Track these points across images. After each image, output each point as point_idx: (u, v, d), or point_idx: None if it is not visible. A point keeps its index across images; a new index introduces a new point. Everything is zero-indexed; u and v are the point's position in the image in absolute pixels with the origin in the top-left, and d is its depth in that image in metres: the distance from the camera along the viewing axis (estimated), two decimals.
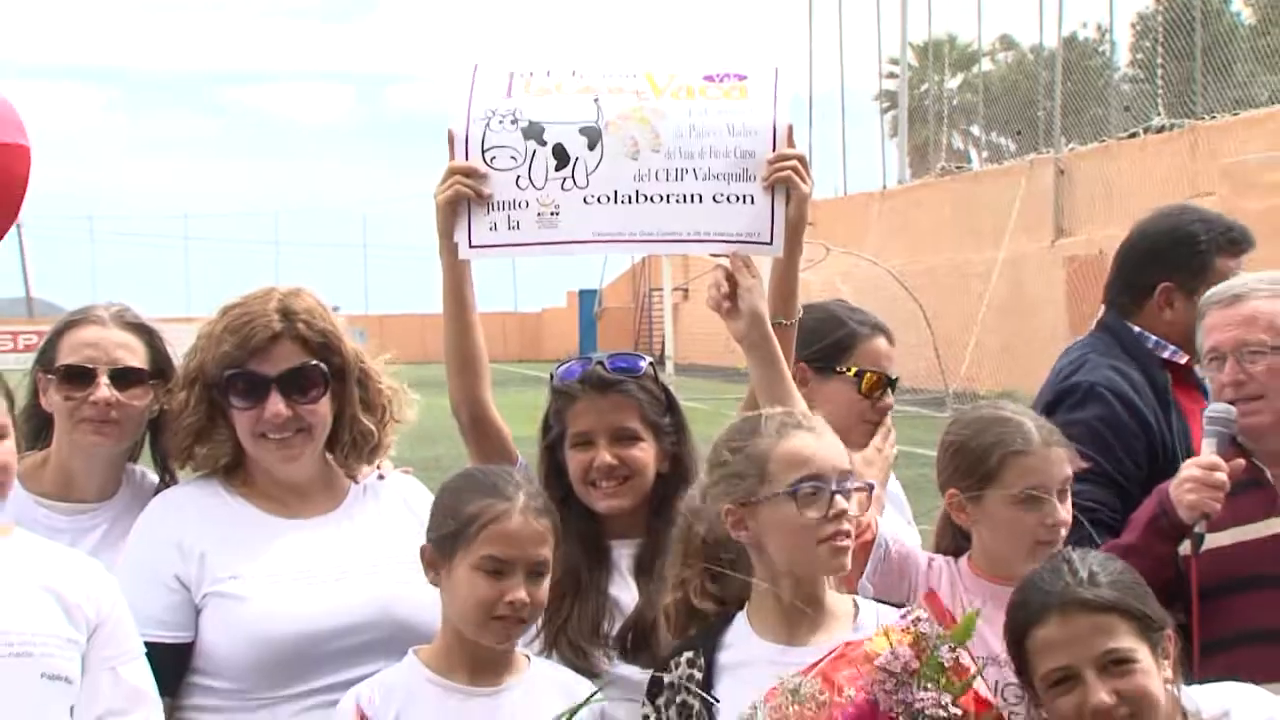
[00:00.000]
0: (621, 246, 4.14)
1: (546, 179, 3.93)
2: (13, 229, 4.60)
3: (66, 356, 3.97)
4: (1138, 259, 4.67)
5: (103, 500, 4.01)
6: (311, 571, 3.74)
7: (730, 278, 3.88)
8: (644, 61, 4.08)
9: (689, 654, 3.34)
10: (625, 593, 3.83)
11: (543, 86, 4.01)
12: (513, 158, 3.94)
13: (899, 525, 4.28)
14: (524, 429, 4.10)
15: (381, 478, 3.98)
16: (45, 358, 4.01)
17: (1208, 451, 3.86)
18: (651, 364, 4.01)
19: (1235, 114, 28.57)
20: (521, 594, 3.38)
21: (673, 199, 3.93)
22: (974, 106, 50.01)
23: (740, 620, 3.39)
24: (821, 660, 3.18)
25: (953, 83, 52.31)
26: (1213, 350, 3.99)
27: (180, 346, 3.98)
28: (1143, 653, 3.19)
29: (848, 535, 3.33)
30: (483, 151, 3.95)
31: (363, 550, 3.80)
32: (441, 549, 3.43)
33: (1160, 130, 30.44)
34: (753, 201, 3.93)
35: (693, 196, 3.93)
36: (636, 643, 3.69)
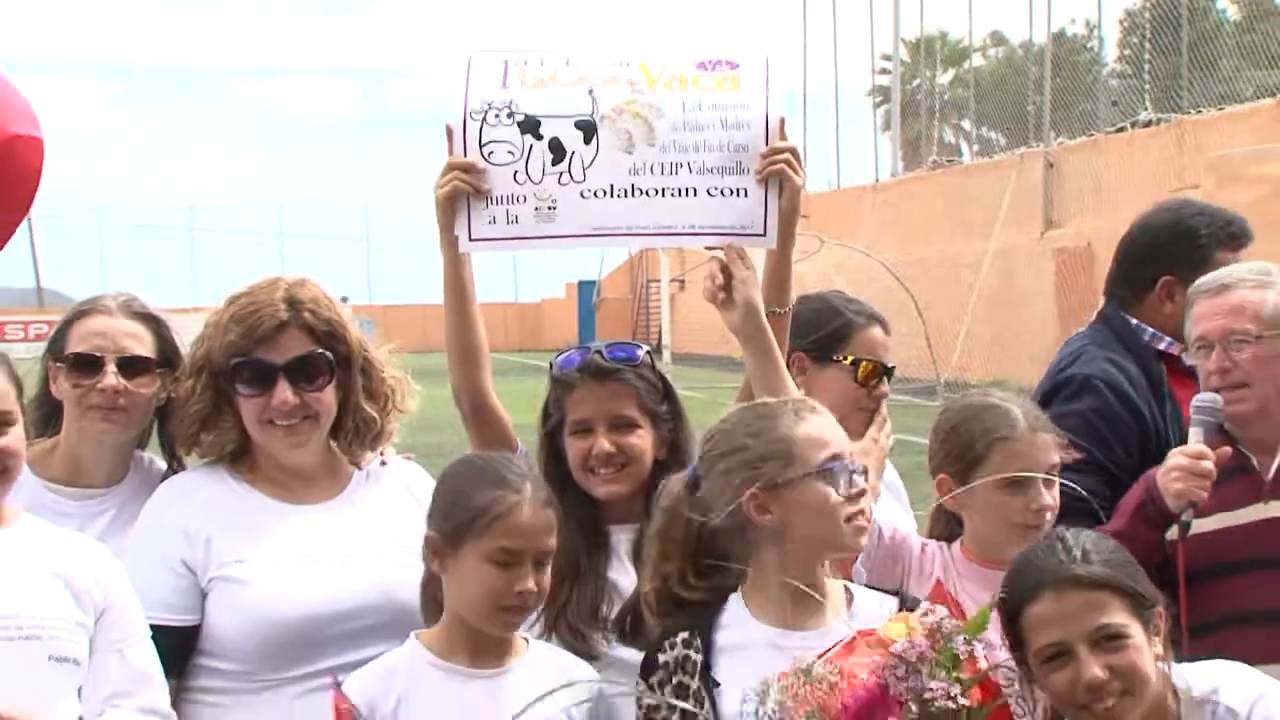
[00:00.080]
0: (618, 240, 4.15)
1: (543, 174, 3.93)
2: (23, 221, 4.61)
3: (75, 345, 3.97)
4: (1139, 253, 4.67)
5: (111, 486, 4.02)
6: (315, 556, 3.74)
7: (725, 270, 3.88)
8: (637, 50, 4.07)
9: (684, 635, 3.33)
10: (624, 577, 3.83)
11: (538, 77, 4.00)
12: (510, 152, 3.94)
13: (896, 511, 4.29)
14: (524, 417, 4.10)
15: (384, 464, 3.98)
16: (55, 346, 4.02)
17: (1195, 440, 3.86)
18: (649, 353, 4.01)
19: (1221, 108, 28.55)
20: (530, 584, 3.38)
21: (668, 193, 3.93)
22: (965, 101, 49.93)
23: (735, 603, 3.38)
24: (833, 647, 3.19)
25: (944, 78, 52.41)
26: (1200, 338, 4.00)
27: (187, 336, 3.98)
28: (1135, 629, 3.21)
29: (864, 514, 3.36)
30: (480, 146, 3.95)
31: (366, 535, 3.80)
32: (449, 539, 3.42)
33: (1147, 125, 30.42)
34: (746, 195, 3.93)
35: (687, 190, 3.93)
36: (635, 626, 3.69)
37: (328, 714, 3.35)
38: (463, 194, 3.93)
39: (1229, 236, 4.57)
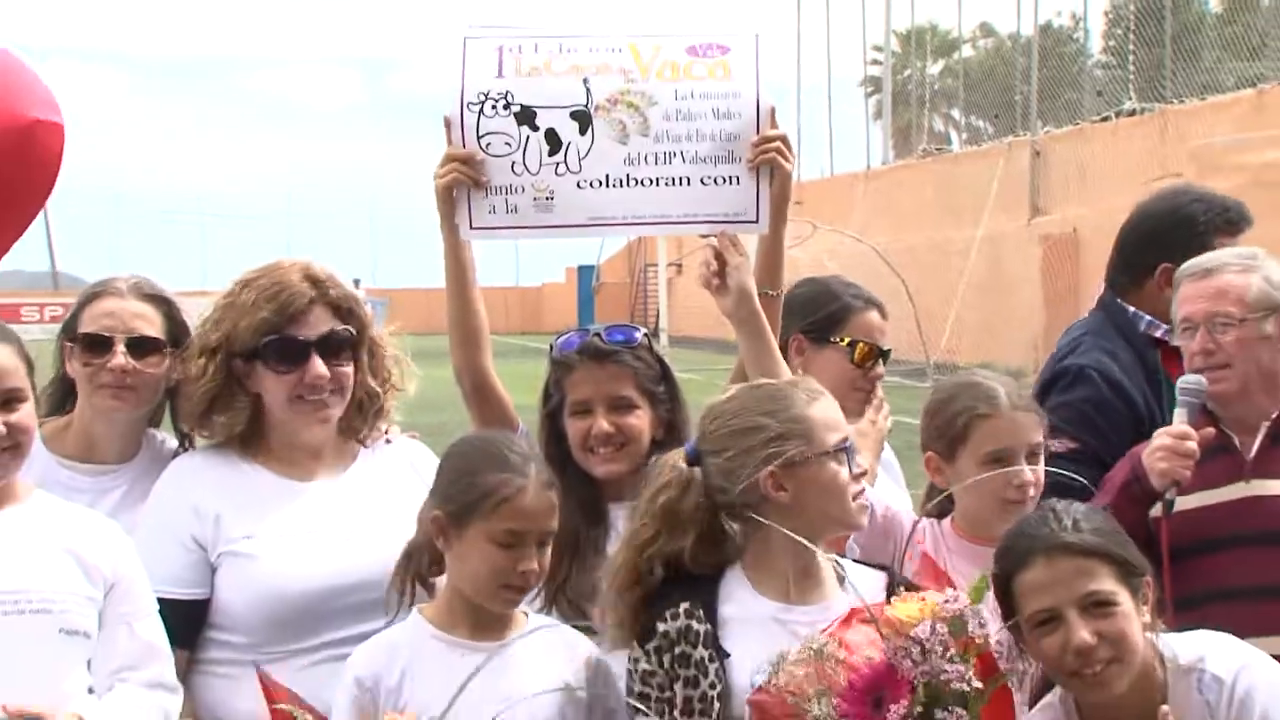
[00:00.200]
0: (615, 230, 4.18)
1: (540, 165, 3.94)
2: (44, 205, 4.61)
3: (87, 326, 3.97)
4: (1138, 240, 4.66)
5: (123, 463, 4.01)
6: (321, 532, 3.75)
7: (719, 256, 3.89)
8: (628, 32, 4.05)
9: (685, 605, 3.33)
10: None
11: (532, 65, 3.99)
12: (507, 144, 3.95)
13: (891, 489, 4.31)
14: (525, 398, 4.10)
15: (389, 442, 3.98)
16: (69, 327, 4.02)
17: (1179, 421, 3.87)
18: (646, 335, 4.01)
19: (1203, 99, 28.53)
20: (533, 565, 3.39)
21: (662, 182, 3.94)
22: (954, 91, 49.93)
23: (735, 577, 3.38)
24: (833, 623, 3.20)
25: (934, 68, 52.25)
26: (1185, 320, 3.99)
27: (197, 318, 3.97)
28: (1123, 596, 3.21)
29: (864, 493, 3.41)
30: (478, 137, 3.95)
31: (370, 511, 3.80)
32: (454, 518, 3.42)
33: (1131, 114, 30.41)
34: (738, 182, 3.94)
35: (681, 179, 3.94)
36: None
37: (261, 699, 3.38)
38: (462, 185, 3.94)
39: (1226, 223, 4.56)
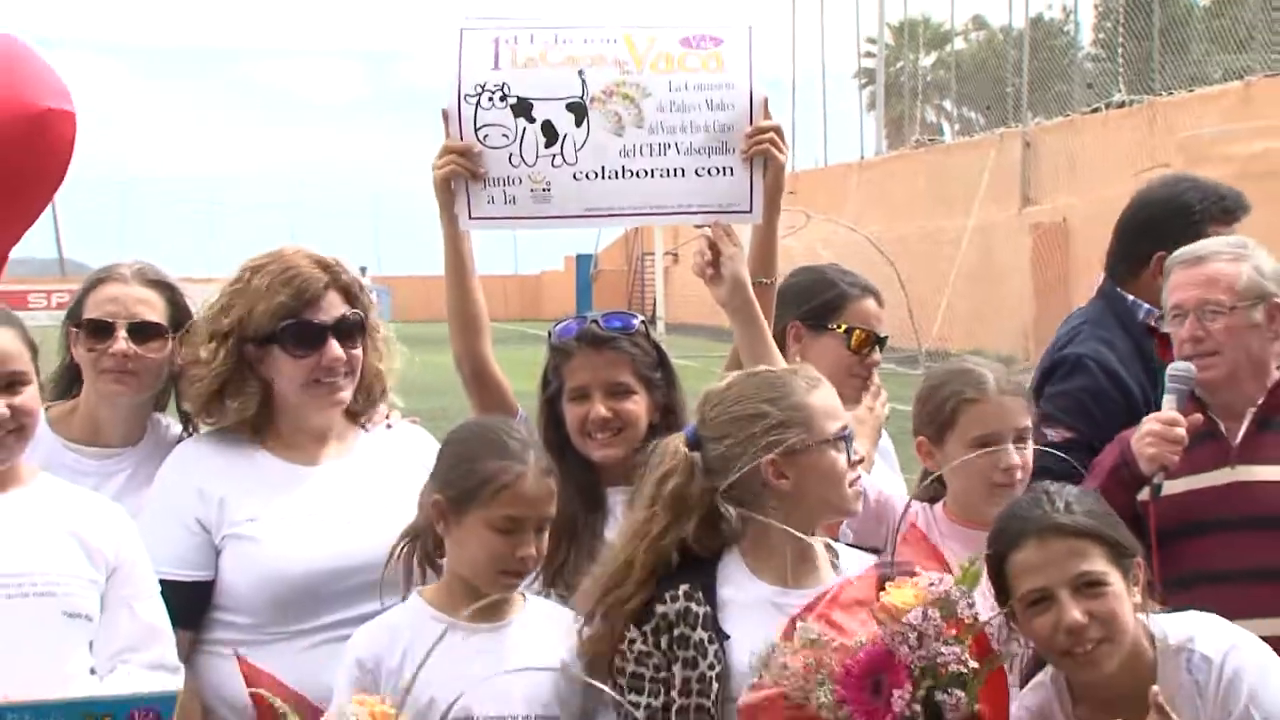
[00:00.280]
0: (612, 221, 4.20)
1: (537, 156, 3.94)
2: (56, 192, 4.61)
3: (90, 311, 3.97)
4: (1136, 228, 4.65)
5: (128, 446, 4.01)
6: (323, 515, 3.75)
7: (713, 247, 3.90)
8: (623, 23, 4.04)
9: (685, 587, 3.32)
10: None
11: (528, 57, 3.99)
12: (504, 136, 3.94)
13: (888, 476, 4.33)
14: (524, 384, 4.10)
15: (390, 427, 3.98)
16: (74, 313, 4.02)
17: (1168, 407, 3.87)
18: (644, 322, 4.01)
19: (1191, 90, 28.48)
20: (531, 550, 3.40)
21: (657, 173, 3.95)
22: (947, 83, 49.83)
23: (732, 562, 3.38)
24: (819, 602, 3.20)
25: (927, 61, 52.30)
26: (1176, 307, 3.99)
27: (202, 304, 3.96)
28: (1114, 577, 3.22)
29: (859, 480, 3.42)
30: (475, 130, 3.95)
31: (372, 495, 3.80)
32: (454, 504, 3.42)
33: (1120, 106, 30.36)
34: (732, 173, 3.95)
35: (676, 170, 3.94)
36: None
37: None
38: (459, 176, 3.93)
39: (1222, 211, 4.55)
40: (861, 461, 3.45)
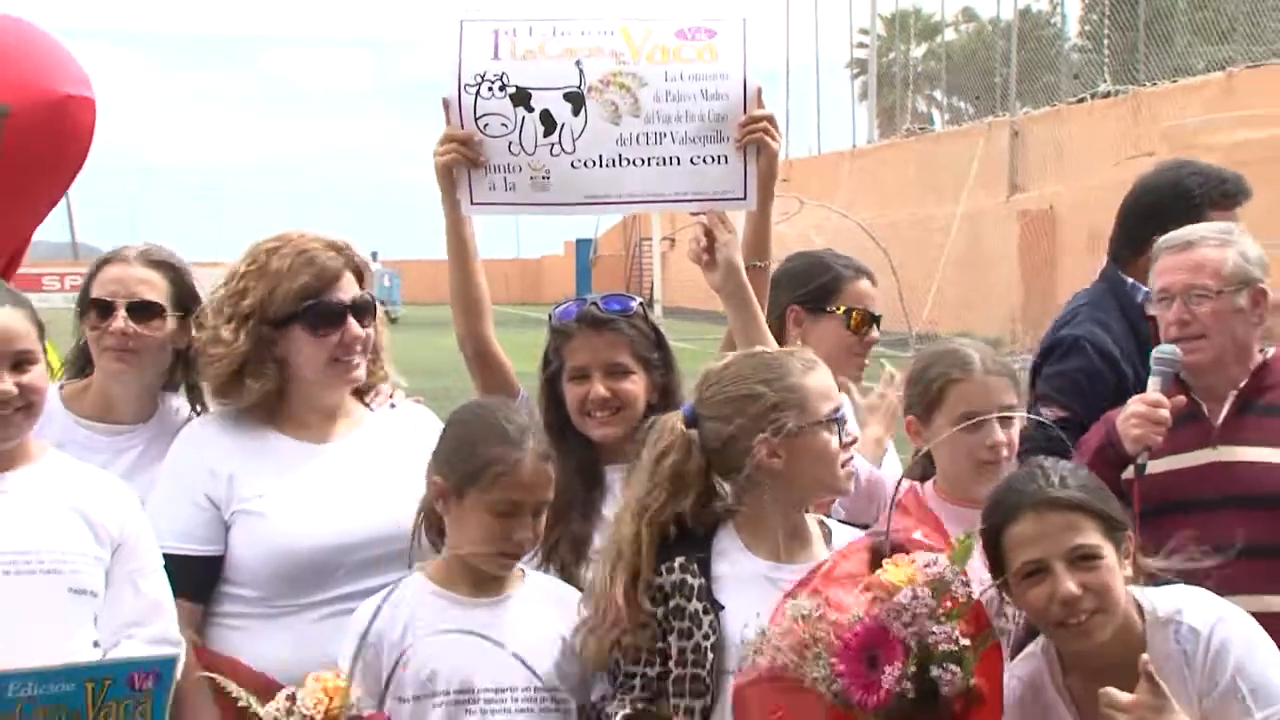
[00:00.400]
0: (610, 209, 4.20)
1: (536, 145, 3.94)
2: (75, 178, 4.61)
3: (95, 292, 3.98)
4: (1139, 212, 4.65)
5: (138, 423, 4.00)
6: (330, 491, 3.74)
7: (708, 233, 3.91)
8: (619, 15, 4.04)
9: (681, 559, 3.32)
10: None
11: (527, 48, 3.98)
12: (504, 125, 3.94)
13: (896, 464, 4.35)
14: (525, 365, 4.10)
15: (394, 406, 3.98)
16: (83, 294, 4.02)
17: (1153, 389, 3.87)
18: (642, 304, 4.01)
19: (1175, 81, 28.47)
20: (529, 533, 3.41)
21: (653, 162, 3.95)
22: (937, 73, 49.80)
23: (726, 536, 3.38)
24: (813, 577, 3.20)
25: (917, 51, 52.14)
26: (1163, 291, 3.99)
27: (210, 288, 3.95)
28: (1107, 550, 3.23)
29: (851, 460, 3.42)
30: (476, 119, 3.95)
31: (378, 472, 3.80)
32: (454, 486, 3.42)
33: (1106, 96, 30.35)
34: (726, 161, 3.95)
35: (671, 159, 3.95)
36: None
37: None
38: (460, 164, 3.93)
39: (1222, 195, 4.54)
40: (855, 442, 3.44)
